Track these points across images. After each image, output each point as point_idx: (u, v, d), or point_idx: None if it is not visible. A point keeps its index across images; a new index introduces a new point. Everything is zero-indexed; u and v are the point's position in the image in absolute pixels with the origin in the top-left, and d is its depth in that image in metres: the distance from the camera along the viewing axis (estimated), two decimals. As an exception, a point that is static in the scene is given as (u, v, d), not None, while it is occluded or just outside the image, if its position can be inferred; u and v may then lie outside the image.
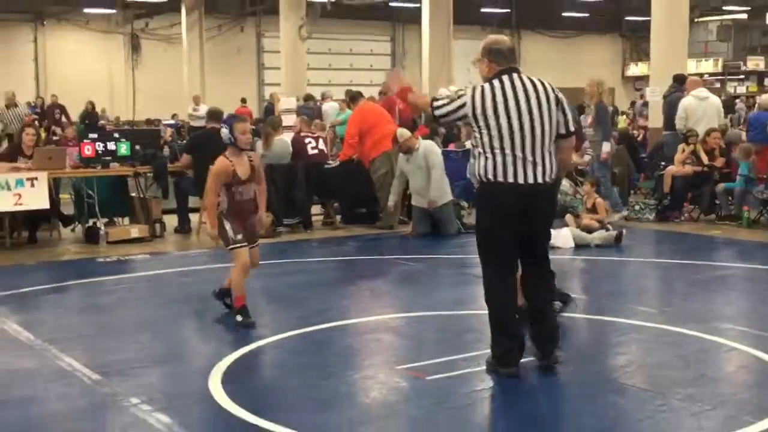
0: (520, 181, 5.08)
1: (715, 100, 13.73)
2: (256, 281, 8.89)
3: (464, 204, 12.24)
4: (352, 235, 11.57)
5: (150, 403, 4.78)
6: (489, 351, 5.48)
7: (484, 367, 5.32)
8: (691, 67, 26.62)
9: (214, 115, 12.13)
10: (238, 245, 6.52)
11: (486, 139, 5.12)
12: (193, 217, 11.64)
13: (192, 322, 7.10)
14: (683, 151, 12.73)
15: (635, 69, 38.71)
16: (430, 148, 11.43)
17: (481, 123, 5.12)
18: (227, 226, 6.51)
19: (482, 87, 5.19)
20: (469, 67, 35.35)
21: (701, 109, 13.26)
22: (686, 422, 4.45)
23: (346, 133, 12.30)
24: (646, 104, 21.38)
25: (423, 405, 4.79)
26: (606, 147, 12.38)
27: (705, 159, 12.45)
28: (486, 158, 5.13)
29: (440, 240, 10.81)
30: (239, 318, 6.49)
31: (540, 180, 5.11)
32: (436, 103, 5.35)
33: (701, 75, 31.97)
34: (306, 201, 12.00)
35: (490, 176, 5.12)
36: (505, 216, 5.16)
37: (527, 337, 5.32)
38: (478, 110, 5.12)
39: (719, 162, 12.46)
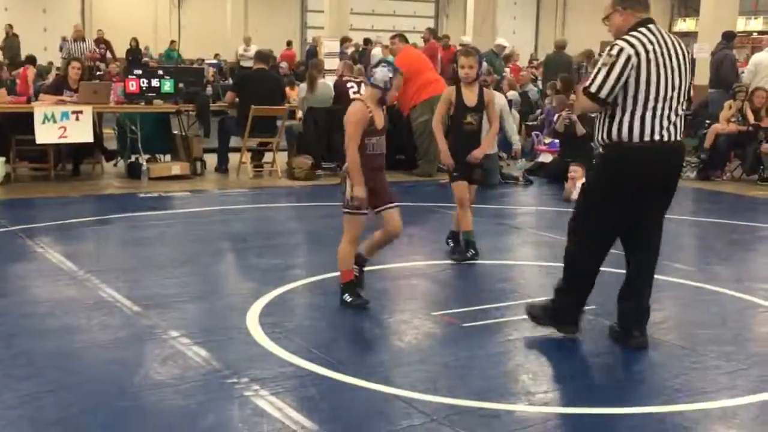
0: (665, 138, 4.64)
1: None
2: (296, 223, 9.00)
3: (503, 155, 12.23)
4: (390, 181, 11.53)
5: (188, 336, 4.87)
6: (527, 300, 5.52)
7: (518, 317, 5.34)
8: (740, 24, 26.13)
9: (262, 56, 12.15)
10: (354, 212, 5.65)
11: (631, 95, 4.60)
12: (233, 157, 11.71)
13: (230, 260, 7.20)
14: (729, 107, 12.56)
15: (683, 25, 37.99)
16: (502, 98, 11.48)
17: (639, 78, 4.58)
18: (348, 186, 5.57)
19: (636, 38, 4.60)
20: (515, 15, 35.13)
21: None
22: (720, 380, 4.46)
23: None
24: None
25: (456, 351, 4.83)
26: None
27: (751, 118, 12.28)
28: (630, 117, 4.61)
29: (480, 189, 10.77)
30: (348, 299, 5.55)
31: (680, 137, 4.75)
32: (592, 87, 4.65)
33: (750, 33, 31.41)
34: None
35: (636, 136, 4.61)
36: (647, 179, 4.72)
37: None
38: (643, 65, 4.56)
39: (766, 122, 12.28)
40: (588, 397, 4.26)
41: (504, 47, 18.19)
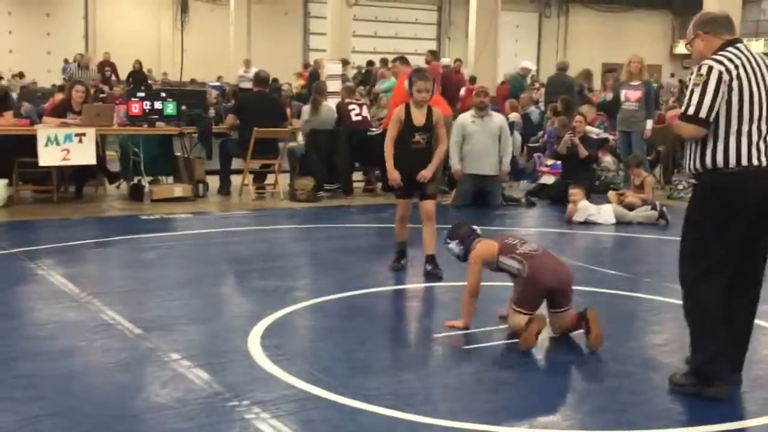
0: (764, 163, 4.34)
1: None
2: (298, 245, 9.00)
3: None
4: (391, 202, 11.52)
5: (190, 359, 4.87)
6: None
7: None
8: (743, 46, 26.19)
9: (261, 79, 12.21)
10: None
11: (723, 117, 4.33)
12: (236, 179, 11.74)
13: (232, 282, 7.19)
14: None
15: (683, 48, 38.10)
16: (503, 119, 11.57)
17: (732, 98, 4.32)
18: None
19: (724, 56, 4.38)
20: (517, 38, 35.27)
21: None
22: (723, 404, 4.44)
23: (391, 101, 12.28)
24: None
25: (459, 373, 4.82)
26: (649, 125, 12.39)
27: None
28: (724, 142, 4.34)
29: (482, 210, 10.80)
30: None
31: None
32: (689, 110, 4.35)
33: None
34: (347, 167, 12.05)
35: (732, 161, 4.33)
36: (745, 207, 4.38)
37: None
38: (734, 83, 4.31)
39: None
40: (590, 420, 4.25)
41: (529, 69, 18.34)
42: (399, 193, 7.16)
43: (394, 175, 6.97)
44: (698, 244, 4.51)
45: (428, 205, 7.10)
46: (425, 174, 6.97)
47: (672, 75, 27.09)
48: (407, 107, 6.94)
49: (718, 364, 4.44)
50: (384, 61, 20.14)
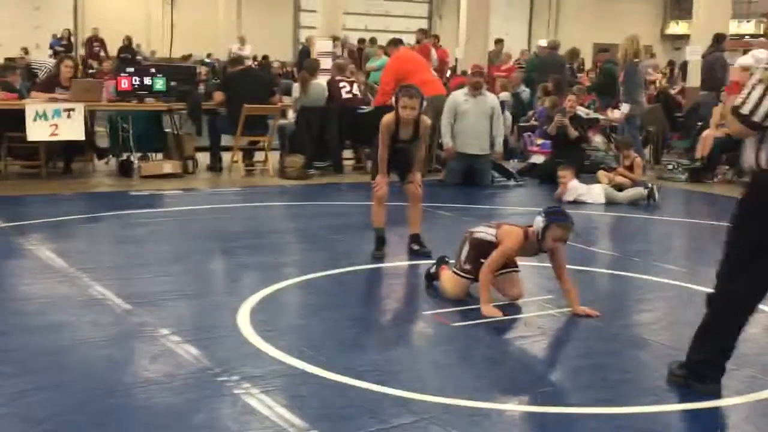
0: None
1: None
2: (287, 222, 8.99)
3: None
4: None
5: (179, 334, 4.86)
6: (516, 301, 5.54)
7: (508, 317, 5.36)
8: (733, 27, 26.18)
9: (236, 61, 12.28)
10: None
11: None
12: (225, 156, 11.71)
13: (221, 258, 7.18)
14: (719, 112, 12.60)
15: (675, 28, 38.07)
16: (495, 99, 11.58)
17: None
18: None
19: None
20: (508, 17, 35.13)
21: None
22: (709, 380, 4.46)
23: (382, 79, 12.25)
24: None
25: (448, 350, 4.84)
26: (625, 108, 12.43)
27: (742, 121, 12.29)
28: None
29: (473, 189, 10.81)
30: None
31: None
32: (744, 107, 4.05)
33: (742, 36, 31.50)
34: (338, 145, 12.02)
35: None
36: None
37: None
38: None
39: (757, 125, 12.30)
40: (578, 396, 4.27)
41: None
42: (379, 175, 6.97)
43: (384, 180, 6.94)
44: (743, 242, 4.31)
45: (414, 188, 7.04)
46: (415, 179, 7.03)
47: (652, 55, 27.00)
48: (398, 122, 6.76)
49: (716, 369, 4.31)
50: (373, 41, 20.12)
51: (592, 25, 34.52)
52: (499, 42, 19.82)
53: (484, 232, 5.79)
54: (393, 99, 6.85)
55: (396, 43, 12.86)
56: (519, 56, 21.03)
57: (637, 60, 12.46)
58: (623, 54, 12.65)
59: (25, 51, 24.19)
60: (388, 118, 6.81)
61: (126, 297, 5.54)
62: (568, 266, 5.64)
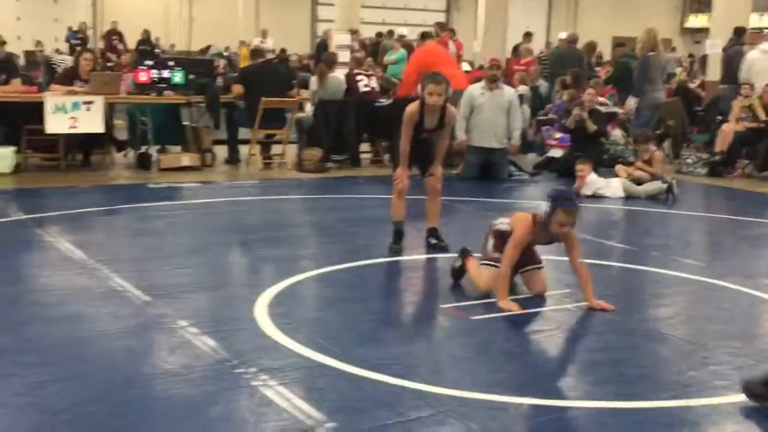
0: None
1: None
2: (305, 215, 9.00)
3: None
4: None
5: (197, 326, 4.88)
6: (530, 296, 5.54)
7: (526, 310, 5.34)
8: (754, 20, 25.96)
9: (257, 53, 12.25)
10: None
11: None
12: (243, 149, 11.73)
13: (239, 251, 7.20)
14: (739, 106, 12.52)
15: (695, 21, 37.81)
16: (512, 92, 11.54)
17: None
18: None
19: None
20: (526, 10, 34.98)
21: (763, 63, 12.99)
22: (730, 376, 4.43)
23: (405, 70, 12.29)
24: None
25: (465, 344, 4.83)
26: (630, 101, 12.37)
27: (762, 115, 12.22)
28: None
29: (490, 183, 10.79)
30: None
31: None
32: None
33: (762, 29, 31.24)
34: (355, 138, 12.02)
35: None
36: None
37: None
38: None
39: (777, 119, 12.22)
40: (595, 391, 4.25)
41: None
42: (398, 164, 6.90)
43: (405, 173, 6.80)
44: None
45: (434, 181, 6.97)
46: (436, 172, 6.94)
47: (673, 49, 26.86)
48: (422, 111, 6.63)
49: None
50: (390, 33, 20.04)
51: (611, 18, 34.33)
52: (528, 36, 19.65)
53: (503, 222, 5.81)
54: (418, 88, 6.70)
55: (424, 36, 12.90)
56: (544, 48, 20.89)
57: (652, 53, 12.36)
58: (640, 47, 12.61)
59: (38, 44, 24.28)
60: (412, 107, 6.69)
61: (145, 289, 5.56)
62: (587, 260, 5.62)
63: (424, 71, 11.79)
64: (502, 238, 5.71)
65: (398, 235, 6.96)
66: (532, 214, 5.63)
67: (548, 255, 5.99)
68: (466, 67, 16.25)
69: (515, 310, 5.33)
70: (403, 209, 6.97)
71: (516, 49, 18.91)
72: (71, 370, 4.20)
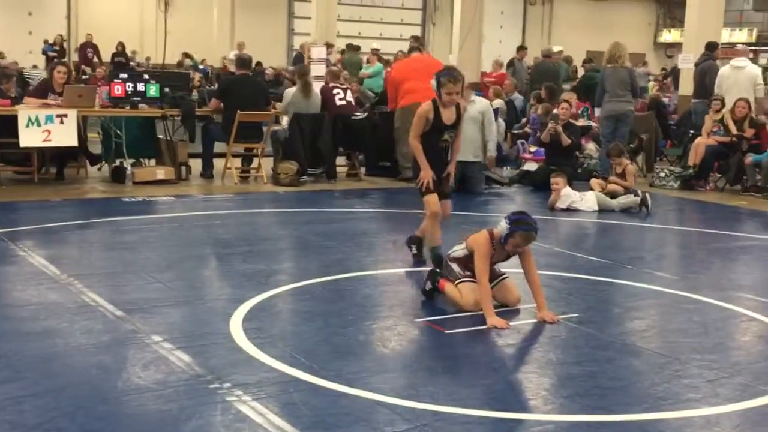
0: None
1: (751, 71, 13.53)
2: (280, 228, 8.98)
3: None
4: (375, 187, 11.61)
5: (171, 341, 4.85)
6: (510, 309, 5.55)
7: (510, 324, 5.36)
8: (725, 36, 26.25)
9: (244, 62, 12.16)
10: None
11: None
12: (219, 162, 11.70)
13: (214, 265, 7.18)
14: (711, 120, 12.65)
15: (668, 35, 38.21)
16: (486, 104, 11.54)
17: None
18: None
19: None
20: (502, 24, 35.21)
21: (733, 79, 13.14)
22: (703, 388, 4.47)
23: (389, 85, 12.55)
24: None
25: (440, 358, 4.83)
26: (596, 113, 12.72)
27: (733, 129, 12.34)
28: None
29: (466, 196, 10.81)
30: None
31: None
32: None
33: (734, 44, 31.59)
34: (331, 151, 12.02)
35: None
36: None
37: None
38: None
39: (749, 133, 12.34)
40: (570, 404, 4.27)
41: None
42: (427, 190, 6.67)
43: (429, 173, 6.58)
44: None
45: (446, 207, 6.84)
46: (451, 170, 6.83)
47: (645, 63, 27.15)
48: (436, 106, 6.53)
49: None
50: (351, 47, 20.16)
51: (585, 33, 34.59)
52: (522, 49, 19.63)
53: (457, 249, 5.92)
54: (434, 84, 6.49)
55: (410, 50, 13.16)
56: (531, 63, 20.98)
57: (611, 66, 12.50)
58: (604, 60, 12.86)
59: (1, 55, 24.03)
60: (424, 107, 6.57)
61: (118, 304, 5.53)
62: (561, 273, 5.65)
63: (397, 86, 11.98)
64: (462, 262, 5.81)
65: (438, 260, 6.49)
66: (488, 231, 5.72)
67: (518, 268, 6.00)
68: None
69: (503, 326, 5.35)
70: (439, 232, 6.69)
71: (511, 63, 18.99)
72: (44, 385, 4.16)
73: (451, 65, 6.92)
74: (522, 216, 5.70)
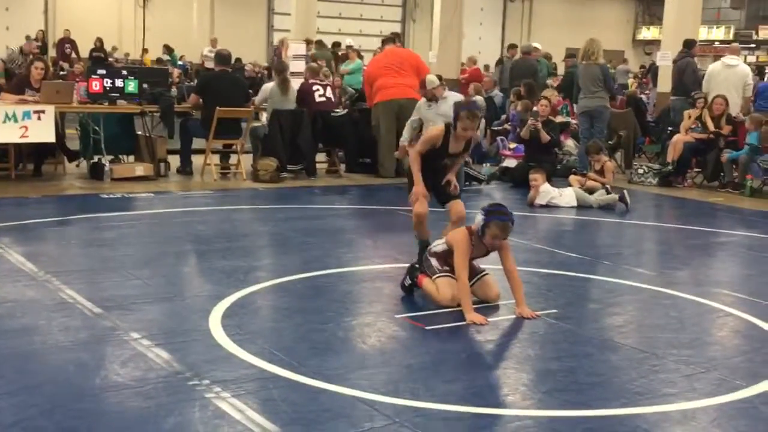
0: None
1: (743, 69, 13.61)
2: (260, 225, 8.97)
3: (468, 160, 12.30)
4: (354, 184, 11.61)
5: (150, 338, 4.84)
6: (490, 304, 5.57)
7: (489, 320, 5.38)
8: (703, 33, 26.41)
9: (223, 58, 12.10)
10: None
11: None
12: (198, 159, 11.66)
13: (193, 262, 7.16)
14: (689, 117, 12.72)
15: (646, 33, 38.41)
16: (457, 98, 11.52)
17: None
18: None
19: None
20: (481, 21, 35.28)
21: (723, 76, 13.22)
22: (679, 383, 4.50)
23: (366, 81, 12.54)
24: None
25: (419, 354, 4.84)
26: (575, 109, 12.92)
27: (711, 126, 12.42)
28: None
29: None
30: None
31: None
32: None
33: (712, 42, 31.80)
34: (311, 148, 12.01)
35: None
36: None
37: None
38: None
39: (726, 129, 12.43)
40: (549, 399, 4.29)
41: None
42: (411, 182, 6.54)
43: (421, 190, 6.47)
44: None
45: (458, 206, 6.68)
46: (450, 178, 6.72)
47: (625, 60, 27.32)
48: (447, 136, 6.37)
49: None
50: (320, 43, 20.09)
51: (564, 30, 34.69)
52: (513, 47, 19.63)
53: (437, 244, 5.98)
54: (452, 115, 6.38)
55: (383, 42, 13.15)
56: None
57: (584, 62, 12.54)
58: (579, 58, 12.93)
59: None
60: (436, 131, 6.46)
61: (96, 301, 5.50)
62: (540, 270, 5.67)
63: (371, 83, 11.99)
64: (441, 257, 5.85)
65: (423, 249, 6.39)
66: (466, 228, 5.77)
67: (498, 264, 6.03)
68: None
69: (482, 322, 5.36)
70: (426, 231, 6.61)
71: (500, 61, 19.03)
72: (21, 383, 4.14)
73: (471, 100, 6.70)
74: (497, 207, 5.75)
